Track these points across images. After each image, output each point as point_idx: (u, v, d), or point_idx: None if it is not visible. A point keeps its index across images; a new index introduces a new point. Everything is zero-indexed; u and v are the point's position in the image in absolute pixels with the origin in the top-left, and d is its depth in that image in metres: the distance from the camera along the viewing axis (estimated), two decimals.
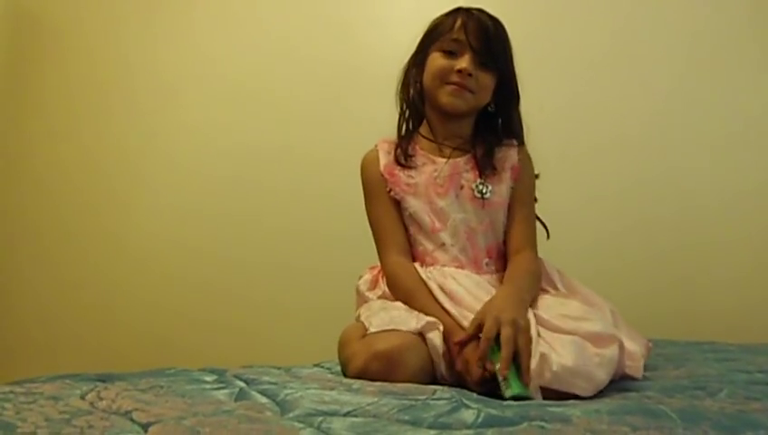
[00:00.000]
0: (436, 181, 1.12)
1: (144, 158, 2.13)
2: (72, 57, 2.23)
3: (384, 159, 1.15)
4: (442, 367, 0.91)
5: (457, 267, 1.08)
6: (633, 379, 0.93)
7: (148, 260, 2.06)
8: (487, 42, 1.09)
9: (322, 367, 1.09)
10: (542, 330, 0.87)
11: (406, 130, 1.19)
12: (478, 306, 0.93)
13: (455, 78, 1.08)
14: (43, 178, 2.19)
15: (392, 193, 1.13)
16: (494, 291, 1.01)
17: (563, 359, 0.81)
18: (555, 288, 1.09)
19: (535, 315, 0.91)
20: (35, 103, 2.23)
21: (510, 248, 1.12)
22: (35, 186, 2.19)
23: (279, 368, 0.98)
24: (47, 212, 2.16)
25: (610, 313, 0.99)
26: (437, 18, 1.16)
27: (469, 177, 1.12)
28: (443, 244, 1.10)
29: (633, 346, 0.99)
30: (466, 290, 1.00)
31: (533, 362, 0.81)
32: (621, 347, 0.89)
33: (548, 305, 0.97)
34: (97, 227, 2.12)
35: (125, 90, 2.18)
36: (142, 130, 2.15)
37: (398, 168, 1.14)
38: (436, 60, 1.11)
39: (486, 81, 1.11)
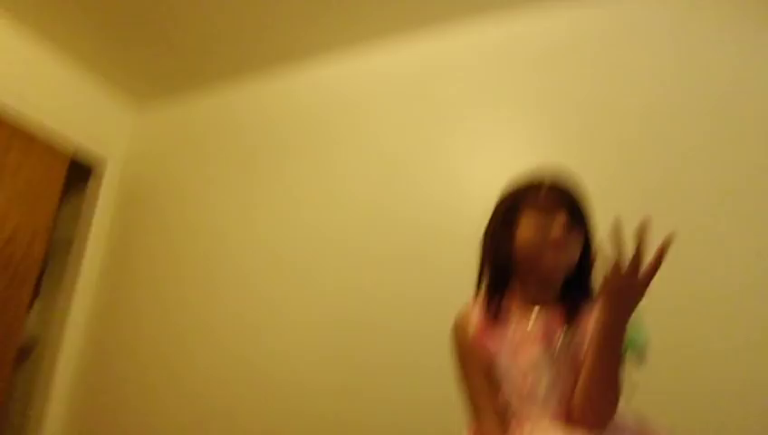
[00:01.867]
0: (527, 337, 1.11)
1: (248, 316, 2.24)
2: (173, 225, 2.55)
3: (475, 320, 1.16)
4: None
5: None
6: None
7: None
8: (575, 206, 1.14)
9: None
10: None
11: (496, 289, 1.20)
12: None
13: (552, 244, 1.11)
14: (151, 345, 2.38)
15: (484, 356, 1.12)
16: None
17: None
18: None
19: None
20: (140, 270, 2.54)
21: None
22: (144, 355, 2.37)
23: None
24: (158, 375, 2.31)
25: None
26: (520, 183, 1.20)
27: (558, 331, 1.10)
28: (535, 400, 1.06)
29: None
30: None
31: None
32: None
33: None
34: (205, 387, 2.20)
35: (224, 253, 2.38)
36: (243, 292, 2.29)
37: (490, 327, 1.14)
38: (530, 227, 1.13)
39: (577, 242, 1.14)
